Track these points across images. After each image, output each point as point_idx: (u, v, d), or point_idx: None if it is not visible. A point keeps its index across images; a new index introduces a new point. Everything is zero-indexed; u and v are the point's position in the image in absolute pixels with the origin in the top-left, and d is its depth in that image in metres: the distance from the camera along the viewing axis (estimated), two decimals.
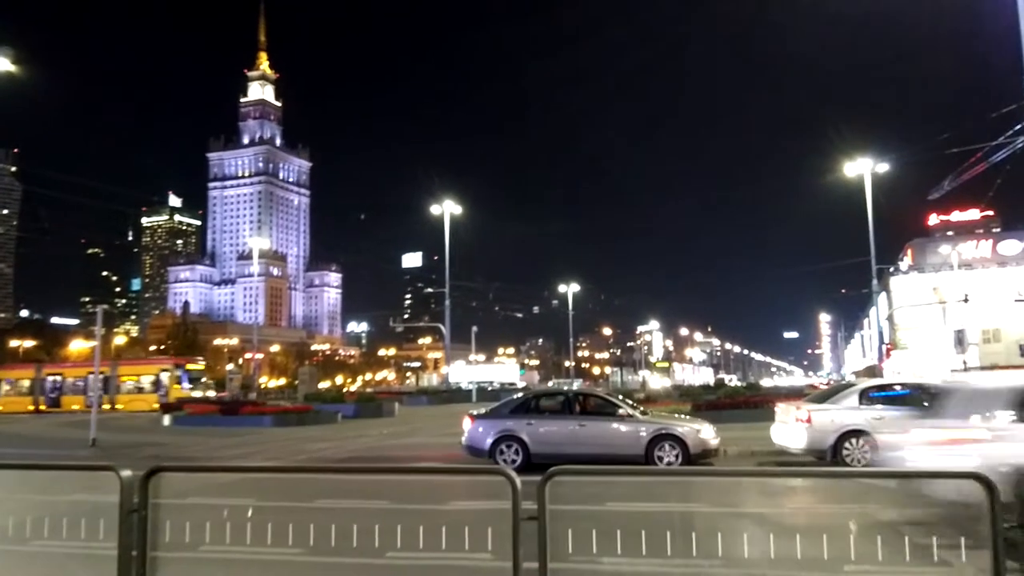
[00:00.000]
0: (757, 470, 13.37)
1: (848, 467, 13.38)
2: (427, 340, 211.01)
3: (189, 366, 57.74)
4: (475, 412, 16.04)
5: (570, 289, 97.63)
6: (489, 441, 14.88)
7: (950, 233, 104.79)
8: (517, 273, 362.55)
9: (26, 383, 56.24)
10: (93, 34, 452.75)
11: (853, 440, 13.82)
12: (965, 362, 62.59)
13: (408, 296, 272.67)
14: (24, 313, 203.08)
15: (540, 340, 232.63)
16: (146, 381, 53.87)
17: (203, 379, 57.80)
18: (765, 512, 8.27)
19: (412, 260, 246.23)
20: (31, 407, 52.91)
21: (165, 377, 53.14)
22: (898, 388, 15.60)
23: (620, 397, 17.68)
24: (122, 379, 54.05)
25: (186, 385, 53.15)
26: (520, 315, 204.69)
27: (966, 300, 63.40)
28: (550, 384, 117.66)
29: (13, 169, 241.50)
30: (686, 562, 5.92)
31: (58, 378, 56.28)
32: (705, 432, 14.55)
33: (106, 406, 48.98)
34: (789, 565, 5.43)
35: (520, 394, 21.38)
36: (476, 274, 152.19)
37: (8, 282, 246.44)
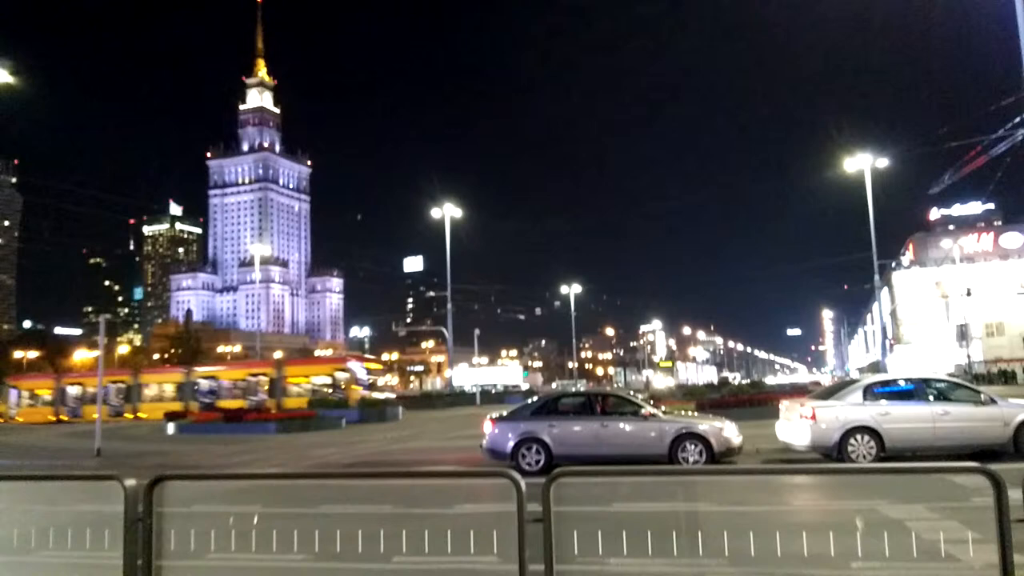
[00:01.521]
0: (763, 468, 13.34)
1: (854, 463, 13.35)
2: (430, 344, 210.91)
3: (367, 364, 52.46)
4: (495, 415, 16.05)
5: (572, 290, 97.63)
6: (511, 444, 14.87)
7: (951, 227, 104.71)
8: (519, 275, 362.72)
9: (170, 388, 53.07)
10: (91, 45, 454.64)
11: (858, 436, 13.79)
12: (969, 356, 62.57)
13: (410, 300, 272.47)
14: (27, 324, 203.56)
15: (543, 342, 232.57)
16: (319, 383, 48.84)
17: (378, 379, 52.22)
18: (771, 510, 8.25)
19: (413, 264, 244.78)
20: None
21: (342, 377, 48.21)
22: (902, 383, 15.53)
23: (640, 397, 17.61)
24: (289, 380, 49.45)
25: (363, 379, 48.50)
26: (522, 317, 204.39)
27: (968, 294, 63.52)
28: (554, 385, 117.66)
29: (14, 180, 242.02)
30: (692, 561, 5.90)
31: (211, 381, 52.40)
32: (728, 430, 14.55)
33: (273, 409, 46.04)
34: (796, 563, 5.40)
35: (536, 397, 21.37)
36: (478, 276, 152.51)
37: (10, 293, 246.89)
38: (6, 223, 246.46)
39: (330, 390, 47.14)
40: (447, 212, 60.81)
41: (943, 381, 16.00)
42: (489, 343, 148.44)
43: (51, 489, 8.34)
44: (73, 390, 55.80)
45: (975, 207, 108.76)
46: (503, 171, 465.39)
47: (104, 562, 5.51)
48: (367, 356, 60.41)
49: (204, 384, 52.27)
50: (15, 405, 56.69)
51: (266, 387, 49.59)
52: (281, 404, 45.23)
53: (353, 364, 50.32)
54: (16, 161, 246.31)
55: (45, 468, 20.08)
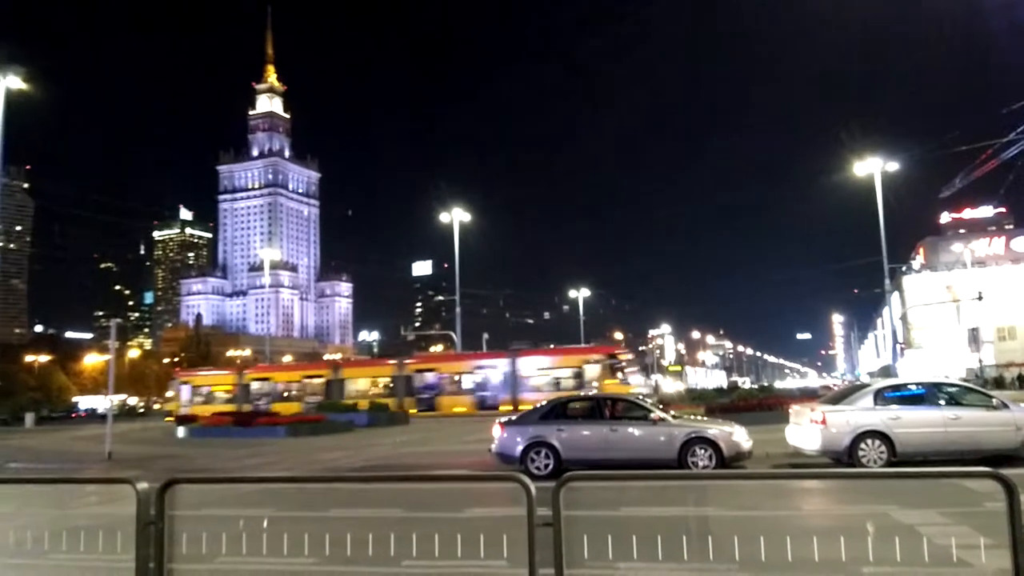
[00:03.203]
0: (773, 472, 13.24)
1: (864, 468, 13.28)
2: (438, 348, 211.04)
3: (620, 355, 45.23)
4: (505, 419, 16.08)
5: (580, 294, 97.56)
6: (520, 448, 14.84)
7: (962, 231, 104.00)
8: (527, 279, 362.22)
9: (376, 382, 48.44)
10: (101, 51, 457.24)
11: (869, 441, 13.72)
12: (980, 360, 62.10)
13: (419, 304, 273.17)
14: (39, 328, 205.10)
15: (551, 346, 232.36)
16: (563, 375, 43.05)
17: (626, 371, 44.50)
18: (782, 514, 8.23)
19: (422, 268, 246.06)
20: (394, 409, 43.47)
21: (594, 369, 42.04)
22: (913, 388, 15.45)
23: (649, 401, 17.54)
24: (525, 374, 44.20)
25: (617, 371, 42.42)
26: (531, 321, 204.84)
27: (980, 298, 62.90)
28: None
29: (26, 186, 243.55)
30: (702, 566, 5.89)
31: (429, 375, 46.86)
32: (738, 435, 14.50)
33: (506, 407, 40.11)
34: (807, 567, 5.39)
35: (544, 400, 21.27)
36: (486, 280, 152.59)
37: (22, 298, 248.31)
38: (18, 228, 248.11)
39: (574, 382, 41.83)
40: (456, 216, 60.90)
41: (954, 385, 15.90)
42: (497, 347, 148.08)
43: (64, 492, 8.41)
44: (257, 386, 51.00)
45: (986, 211, 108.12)
46: (512, 175, 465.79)
47: (116, 565, 5.55)
48: (618, 346, 53.15)
49: (420, 378, 46.70)
50: (187, 403, 51.07)
51: (498, 380, 44.51)
52: (517, 401, 39.65)
53: (606, 355, 43.83)
54: (28, 166, 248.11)
55: (57, 471, 20.20)
